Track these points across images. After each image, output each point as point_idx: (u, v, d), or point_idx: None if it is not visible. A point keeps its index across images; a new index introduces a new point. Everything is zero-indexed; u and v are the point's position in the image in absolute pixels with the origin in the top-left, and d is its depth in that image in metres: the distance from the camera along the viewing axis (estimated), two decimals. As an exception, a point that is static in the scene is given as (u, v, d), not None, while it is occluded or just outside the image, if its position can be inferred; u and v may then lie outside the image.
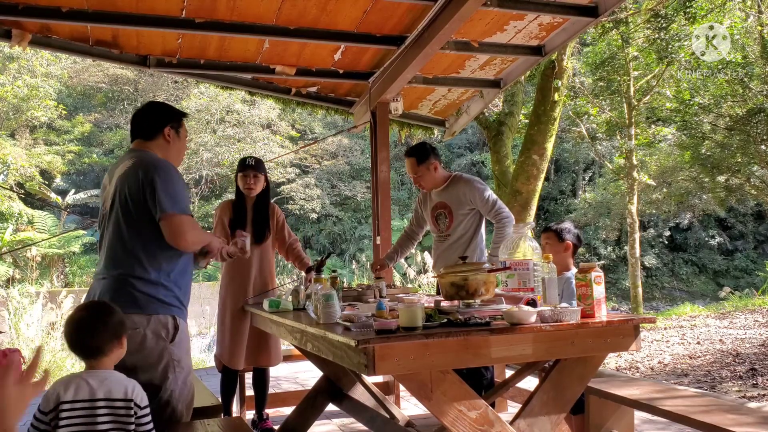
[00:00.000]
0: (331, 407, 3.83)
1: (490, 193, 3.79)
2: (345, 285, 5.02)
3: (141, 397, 2.06)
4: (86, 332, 2.07)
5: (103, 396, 1.99)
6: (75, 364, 7.70)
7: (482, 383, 3.57)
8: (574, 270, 3.22)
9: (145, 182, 2.39)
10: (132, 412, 2.01)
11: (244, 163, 3.90)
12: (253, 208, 3.91)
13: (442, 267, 3.99)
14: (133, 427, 2.01)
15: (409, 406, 4.52)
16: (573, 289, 2.93)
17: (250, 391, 4.14)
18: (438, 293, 3.43)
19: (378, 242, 4.98)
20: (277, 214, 4.05)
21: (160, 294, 2.41)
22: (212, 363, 5.63)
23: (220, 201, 20.39)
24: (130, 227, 2.42)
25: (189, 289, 2.61)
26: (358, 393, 3.62)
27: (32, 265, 16.75)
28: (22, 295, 11.38)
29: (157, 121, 2.60)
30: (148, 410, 2.08)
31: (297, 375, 5.97)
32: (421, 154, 3.82)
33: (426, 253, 11.93)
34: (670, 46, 10.49)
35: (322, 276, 3.17)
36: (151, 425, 2.07)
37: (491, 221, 3.78)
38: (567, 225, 3.34)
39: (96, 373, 2.04)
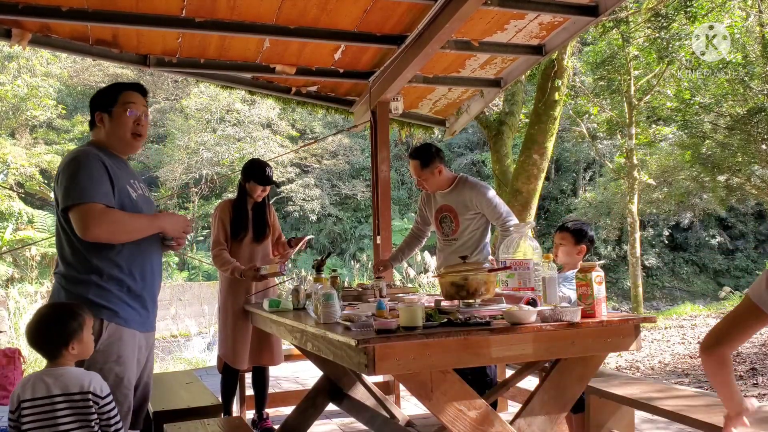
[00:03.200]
0: (331, 407, 3.83)
1: (498, 201, 3.73)
2: (345, 284, 5.03)
3: (100, 387, 2.09)
4: (40, 334, 2.12)
5: (59, 392, 2.04)
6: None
7: (487, 384, 3.57)
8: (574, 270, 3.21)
9: (57, 178, 2.30)
10: (90, 404, 2.05)
11: (265, 176, 3.84)
12: (253, 209, 3.92)
13: (447, 265, 3.99)
14: (95, 417, 2.06)
15: (409, 406, 4.52)
16: (570, 288, 2.92)
17: (249, 391, 4.14)
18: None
19: (378, 242, 4.98)
20: (273, 213, 4.10)
21: (90, 294, 2.25)
22: (213, 363, 5.63)
23: (219, 201, 20.40)
24: (59, 226, 2.35)
25: (149, 288, 2.41)
26: (358, 393, 3.62)
27: (32, 265, 16.75)
28: (22, 294, 11.38)
29: (91, 112, 2.47)
30: (110, 398, 2.10)
31: (297, 374, 5.97)
32: (425, 157, 3.71)
33: (426, 252, 11.94)
34: (671, 46, 10.49)
35: (322, 276, 3.17)
36: (115, 413, 2.11)
37: (499, 229, 3.76)
38: (585, 227, 3.20)
39: (52, 371, 2.09)
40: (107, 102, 2.43)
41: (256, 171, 3.86)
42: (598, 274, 2.29)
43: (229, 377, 3.87)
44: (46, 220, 18.82)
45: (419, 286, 10.15)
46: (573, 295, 2.59)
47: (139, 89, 2.49)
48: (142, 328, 2.38)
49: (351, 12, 4.12)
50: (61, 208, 2.26)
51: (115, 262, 2.29)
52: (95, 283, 2.26)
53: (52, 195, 2.51)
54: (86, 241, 2.24)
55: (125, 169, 2.45)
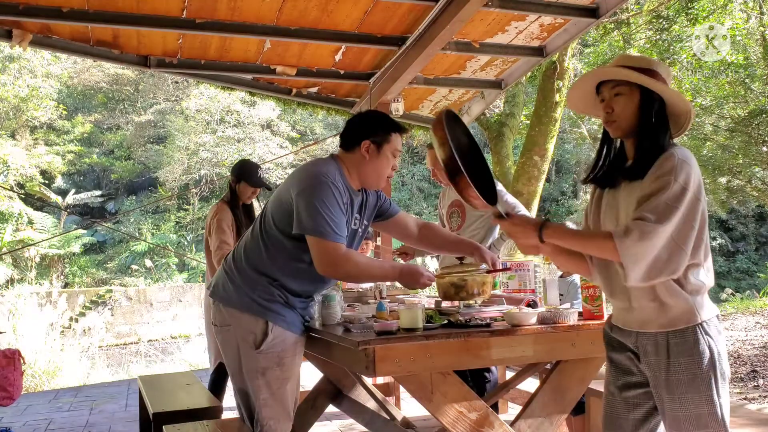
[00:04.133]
0: (331, 408, 3.83)
1: (508, 196, 3.75)
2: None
3: None
4: None
5: None
6: (74, 365, 7.70)
7: (485, 385, 3.56)
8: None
9: (297, 186, 2.25)
10: None
11: (257, 177, 3.78)
12: (243, 210, 3.89)
13: (445, 266, 3.99)
14: None
15: (409, 408, 4.51)
16: (578, 292, 2.92)
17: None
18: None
19: (378, 243, 4.98)
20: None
21: (256, 294, 2.33)
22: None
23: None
24: (262, 227, 2.37)
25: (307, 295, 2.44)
26: (359, 394, 3.62)
27: (32, 266, 16.75)
28: (22, 295, 11.38)
29: (358, 132, 2.37)
30: None
31: (297, 376, 5.95)
32: None
33: (428, 257, 11.92)
34: (672, 47, 10.49)
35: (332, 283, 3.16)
36: None
37: None
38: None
39: None
40: (381, 136, 2.37)
41: (247, 172, 3.79)
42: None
43: (222, 375, 3.82)
44: (46, 220, 18.84)
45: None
46: None
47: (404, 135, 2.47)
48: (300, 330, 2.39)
49: (352, 13, 4.12)
50: (297, 229, 2.20)
51: (293, 278, 2.31)
52: (263, 285, 2.28)
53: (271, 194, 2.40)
54: (275, 251, 2.27)
55: (355, 204, 2.39)
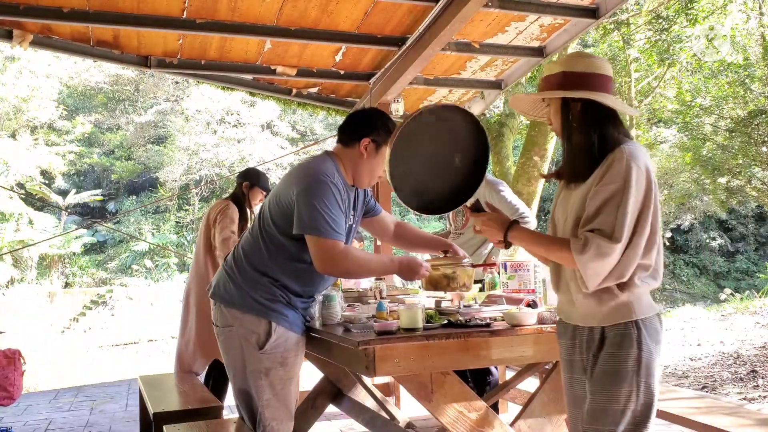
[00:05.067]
0: (331, 408, 3.83)
1: (513, 197, 3.76)
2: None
3: None
4: None
5: None
6: (75, 365, 7.71)
7: (485, 386, 3.57)
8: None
9: (295, 186, 2.23)
10: None
11: (269, 184, 3.92)
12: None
13: (429, 259, 4.00)
14: None
15: (409, 408, 4.52)
16: None
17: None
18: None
19: (378, 243, 4.98)
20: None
21: (257, 294, 2.33)
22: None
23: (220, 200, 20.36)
24: (261, 227, 2.36)
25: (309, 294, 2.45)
26: (359, 394, 3.62)
27: (32, 266, 16.76)
28: (23, 295, 11.39)
29: (359, 129, 2.36)
30: None
31: (297, 376, 5.95)
32: None
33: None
34: (672, 48, 10.49)
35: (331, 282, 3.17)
36: None
37: None
38: None
39: None
40: (382, 137, 2.35)
41: (262, 179, 3.98)
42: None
43: (225, 376, 3.83)
44: (47, 221, 18.84)
45: (420, 287, 10.12)
46: None
47: None
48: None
49: (352, 13, 4.12)
50: (298, 229, 2.20)
51: (294, 278, 2.30)
52: (265, 285, 2.27)
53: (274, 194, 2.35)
54: (276, 251, 2.26)
55: (350, 200, 2.39)
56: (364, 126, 2.37)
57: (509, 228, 1.88)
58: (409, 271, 2.37)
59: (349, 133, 2.38)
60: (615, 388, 1.72)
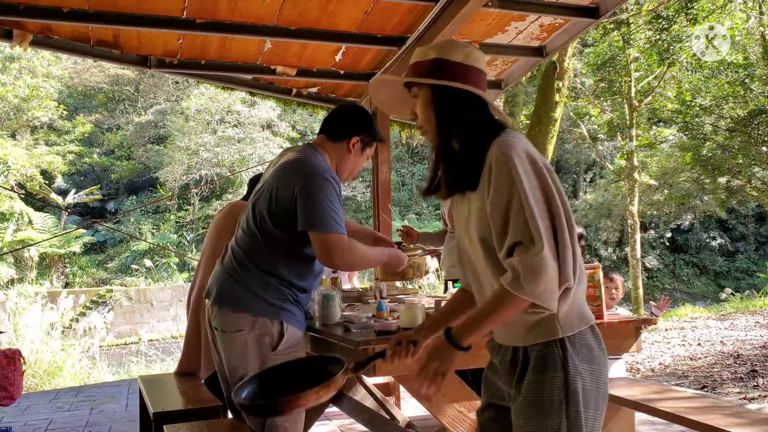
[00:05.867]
0: (331, 408, 3.83)
1: None
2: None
3: None
4: None
5: None
6: (75, 365, 7.70)
7: None
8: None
9: (296, 185, 2.22)
10: None
11: None
12: None
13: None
14: None
15: (409, 407, 4.52)
16: None
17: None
18: (444, 292, 3.48)
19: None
20: None
21: (267, 294, 2.32)
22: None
23: (220, 202, 20.48)
24: (259, 225, 2.33)
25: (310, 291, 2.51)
26: (359, 394, 3.62)
27: (31, 266, 16.76)
28: (22, 295, 11.39)
29: (350, 126, 2.40)
30: None
31: (297, 376, 5.95)
32: None
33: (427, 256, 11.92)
34: (672, 47, 10.50)
35: (323, 277, 3.18)
36: None
37: None
38: None
39: None
40: (369, 138, 2.43)
41: None
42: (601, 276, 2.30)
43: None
44: (47, 220, 18.84)
45: (419, 287, 10.15)
46: None
47: None
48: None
49: (352, 13, 4.12)
50: (303, 226, 2.19)
51: (299, 275, 2.30)
52: (274, 286, 2.25)
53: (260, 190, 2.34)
54: (279, 250, 2.25)
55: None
56: (355, 124, 2.41)
57: (449, 337, 1.52)
58: (396, 261, 2.51)
59: (338, 129, 2.41)
60: (540, 423, 1.43)
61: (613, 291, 3.64)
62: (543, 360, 1.45)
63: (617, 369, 3.47)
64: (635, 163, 11.70)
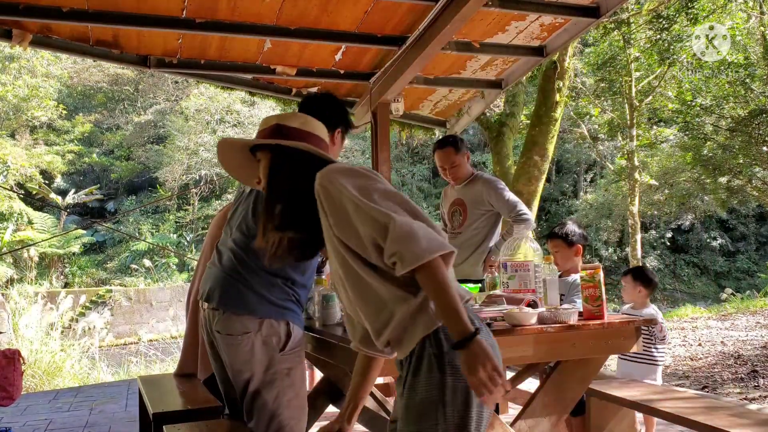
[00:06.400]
0: (331, 408, 3.82)
1: (510, 194, 3.72)
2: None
3: None
4: None
5: None
6: (74, 365, 7.70)
7: None
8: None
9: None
10: None
11: None
12: None
13: None
14: None
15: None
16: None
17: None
18: None
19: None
20: None
21: (273, 295, 2.29)
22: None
23: (220, 202, 20.48)
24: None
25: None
26: (358, 394, 3.61)
27: (31, 266, 16.75)
28: (22, 295, 11.39)
29: (335, 117, 2.34)
30: None
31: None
32: (458, 142, 3.78)
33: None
34: (672, 47, 10.49)
35: (323, 277, 3.17)
36: None
37: (511, 221, 3.71)
38: (571, 227, 3.17)
39: None
40: (347, 126, 2.40)
41: None
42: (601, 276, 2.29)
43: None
44: (46, 220, 18.83)
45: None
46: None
47: None
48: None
49: (352, 13, 4.12)
50: None
51: (301, 271, 2.30)
52: (279, 286, 2.22)
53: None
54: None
55: None
56: (339, 114, 2.36)
57: (459, 344, 1.31)
58: None
59: (324, 120, 2.27)
60: (415, 427, 1.32)
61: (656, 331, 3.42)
62: (417, 361, 1.39)
63: (656, 376, 3.35)
64: (636, 163, 11.70)
